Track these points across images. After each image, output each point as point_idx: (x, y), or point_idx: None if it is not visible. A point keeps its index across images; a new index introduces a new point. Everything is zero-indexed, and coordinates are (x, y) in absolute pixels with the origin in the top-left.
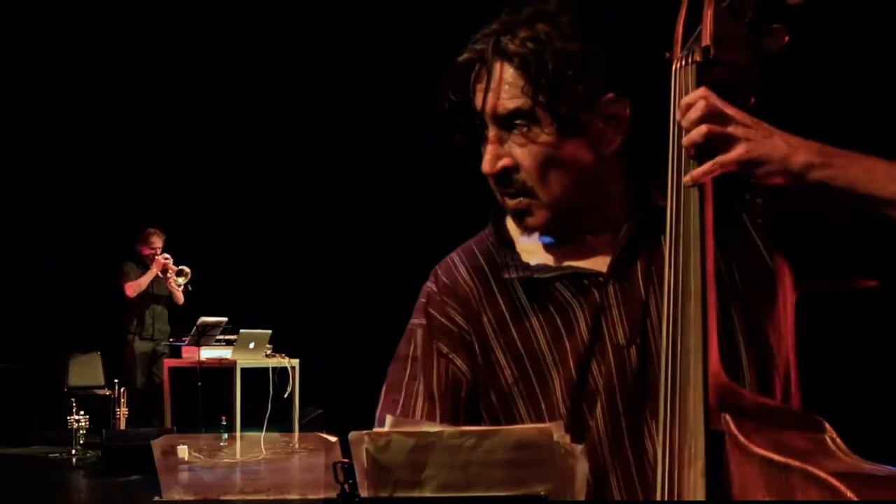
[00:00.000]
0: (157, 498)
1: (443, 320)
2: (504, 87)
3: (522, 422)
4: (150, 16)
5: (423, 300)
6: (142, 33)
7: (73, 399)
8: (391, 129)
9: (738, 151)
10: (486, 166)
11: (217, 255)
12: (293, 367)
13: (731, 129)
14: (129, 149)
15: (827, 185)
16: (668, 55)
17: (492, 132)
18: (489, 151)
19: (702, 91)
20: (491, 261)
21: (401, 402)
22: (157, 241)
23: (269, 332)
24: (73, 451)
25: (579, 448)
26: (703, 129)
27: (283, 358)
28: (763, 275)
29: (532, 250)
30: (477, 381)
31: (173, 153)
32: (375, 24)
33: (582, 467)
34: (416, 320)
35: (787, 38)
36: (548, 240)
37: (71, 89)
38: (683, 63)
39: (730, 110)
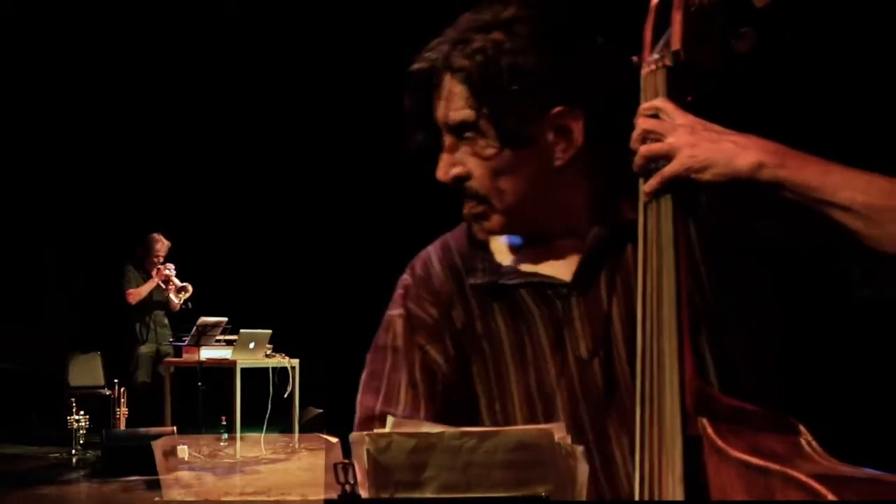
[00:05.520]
0: (157, 498)
1: (419, 312)
2: (452, 99)
3: (483, 422)
4: (152, 16)
5: (401, 291)
6: (142, 35)
7: (73, 399)
8: (394, 129)
9: (676, 163)
10: (439, 173)
11: (217, 255)
12: (293, 367)
13: (669, 143)
14: (129, 148)
15: (779, 186)
16: (636, 60)
17: (446, 140)
18: (443, 159)
19: (642, 108)
20: (464, 259)
21: (383, 391)
22: (162, 249)
23: (269, 332)
24: (73, 451)
25: (580, 449)
26: (641, 151)
27: (283, 358)
28: (733, 282)
29: (504, 250)
30: (451, 373)
31: (174, 152)
32: (378, 23)
33: (583, 468)
34: (395, 311)
35: (755, 41)
36: (517, 239)
37: (72, 89)
38: (653, 68)
39: (666, 124)
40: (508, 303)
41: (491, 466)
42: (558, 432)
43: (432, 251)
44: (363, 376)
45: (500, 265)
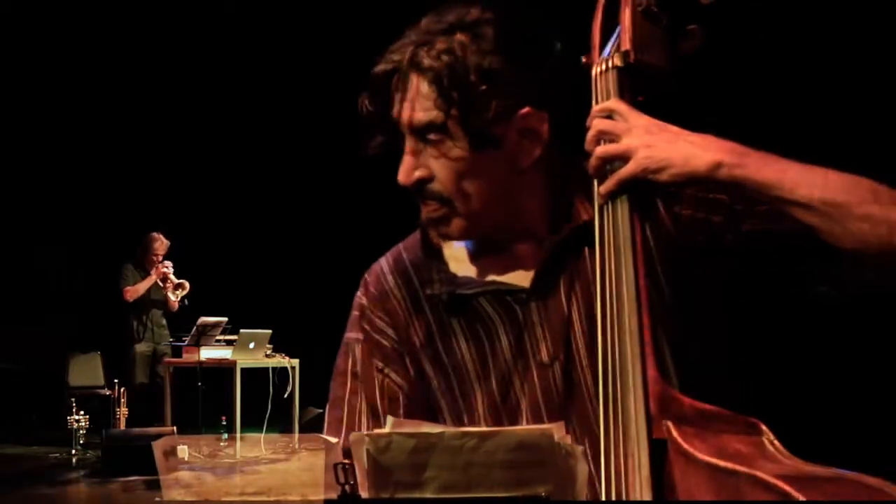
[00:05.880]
0: (157, 498)
1: (376, 336)
2: (419, 100)
3: None
4: (152, 15)
5: (357, 313)
6: (142, 34)
7: (73, 399)
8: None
9: (632, 164)
10: (401, 176)
11: (217, 255)
12: (293, 367)
13: (624, 144)
14: (130, 148)
15: (738, 185)
16: (584, 60)
17: (408, 143)
18: (405, 162)
19: (596, 110)
20: (417, 269)
21: (345, 420)
22: (160, 248)
23: (269, 332)
24: (73, 451)
25: (580, 449)
26: (597, 152)
27: (283, 358)
28: (691, 282)
29: (459, 258)
30: (412, 393)
31: (174, 153)
32: (376, 25)
33: (583, 468)
34: (353, 335)
35: (702, 40)
36: (473, 247)
37: (72, 89)
38: (603, 68)
39: (621, 125)
40: (467, 313)
41: (491, 466)
42: (558, 432)
43: (384, 264)
44: (327, 404)
45: (455, 275)
